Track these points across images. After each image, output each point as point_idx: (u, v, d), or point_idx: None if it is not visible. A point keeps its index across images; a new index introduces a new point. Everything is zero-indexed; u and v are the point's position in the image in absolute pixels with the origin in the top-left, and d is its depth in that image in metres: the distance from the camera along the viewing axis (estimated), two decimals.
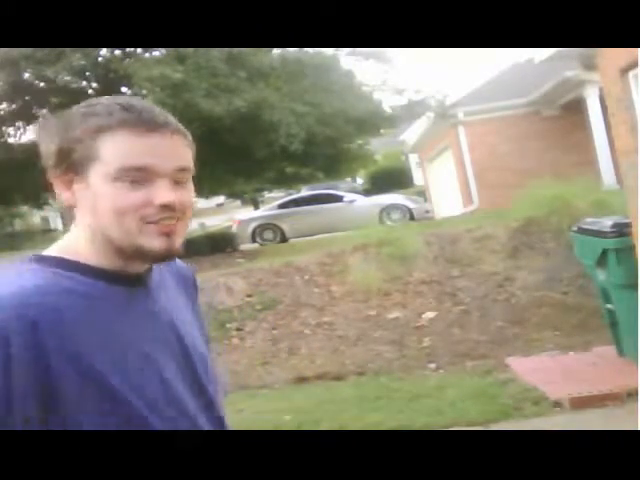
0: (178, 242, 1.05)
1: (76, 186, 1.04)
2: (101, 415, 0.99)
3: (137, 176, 0.99)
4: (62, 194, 1.05)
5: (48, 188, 1.08)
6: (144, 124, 1.00)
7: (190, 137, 1.08)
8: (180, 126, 1.05)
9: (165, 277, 1.21)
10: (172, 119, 1.05)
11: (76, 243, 1.07)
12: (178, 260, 1.20)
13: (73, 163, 1.02)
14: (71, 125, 1.02)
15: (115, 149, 0.99)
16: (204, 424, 1.13)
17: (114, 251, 1.03)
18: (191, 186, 1.07)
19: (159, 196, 1.00)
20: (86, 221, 1.04)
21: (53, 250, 1.08)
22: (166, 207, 1.00)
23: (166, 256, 1.04)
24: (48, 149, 1.04)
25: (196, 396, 1.14)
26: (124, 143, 0.99)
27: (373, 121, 14.49)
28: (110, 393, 1.00)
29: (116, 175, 0.99)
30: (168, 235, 1.02)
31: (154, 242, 1.01)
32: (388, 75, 14.72)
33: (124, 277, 1.06)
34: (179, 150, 1.04)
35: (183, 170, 1.04)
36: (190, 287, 1.28)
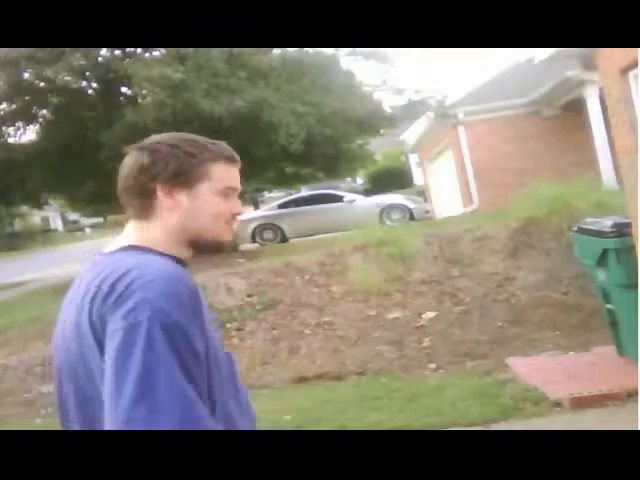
0: None
1: (179, 196, 1.36)
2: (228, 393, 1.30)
3: (229, 192, 1.41)
4: (164, 200, 1.36)
5: (152, 195, 1.37)
6: (234, 159, 1.45)
7: None
8: None
9: None
10: None
11: (147, 235, 1.36)
12: None
13: (187, 179, 1.36)
14: (189, 153, 1.37)
15: (222, 174, 1.40)
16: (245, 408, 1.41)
17: (188, 243, 1.39)
18: None
19: (237, 207, 1.44)
20: (176, 220, 1.37)
21: (132, 241, 1.36)
22: (237, 214, 1.44)
23: (226, 246, 1.46)
24: (165, 167, 1.35)
25: None
26: (227, 170, 1.42)
27: (373, 121, 14.46)
28: (223, 376, 1.29)
29: (221, 191, 1.40)
30: (231, 232, 1.44)
31: (227, 236, 1.43)
32: (388, 75, 14.75)
33: (184, 263, 1.39)
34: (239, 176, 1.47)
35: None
36: None
